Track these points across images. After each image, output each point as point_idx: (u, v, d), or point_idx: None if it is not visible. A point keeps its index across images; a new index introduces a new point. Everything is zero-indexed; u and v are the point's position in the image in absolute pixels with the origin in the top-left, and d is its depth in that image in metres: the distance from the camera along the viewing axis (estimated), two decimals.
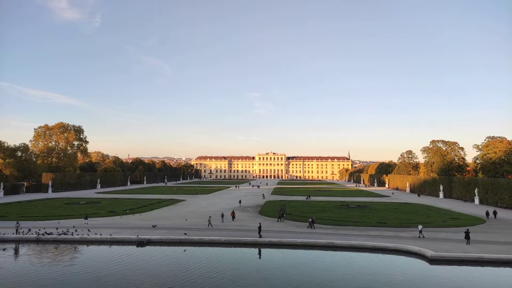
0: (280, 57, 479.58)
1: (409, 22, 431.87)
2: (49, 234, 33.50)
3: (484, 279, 22.48)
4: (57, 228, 36.48)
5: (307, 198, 78.28)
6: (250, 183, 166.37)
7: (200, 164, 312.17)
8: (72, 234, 33.71)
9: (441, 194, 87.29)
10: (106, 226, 38.55)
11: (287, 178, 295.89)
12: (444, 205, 66.65)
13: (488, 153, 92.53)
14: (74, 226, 38.05)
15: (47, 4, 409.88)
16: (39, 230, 35.12)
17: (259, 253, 28.99)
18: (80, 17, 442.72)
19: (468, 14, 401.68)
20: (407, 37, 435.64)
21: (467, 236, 30.96)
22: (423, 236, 33.49)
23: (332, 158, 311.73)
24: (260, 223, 36.12)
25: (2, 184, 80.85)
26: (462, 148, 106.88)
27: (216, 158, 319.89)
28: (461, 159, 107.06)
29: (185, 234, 34.12)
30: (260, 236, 32.59)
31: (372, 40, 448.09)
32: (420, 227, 34.72)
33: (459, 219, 47.09)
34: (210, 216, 42.17)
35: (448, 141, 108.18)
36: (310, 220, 39.86)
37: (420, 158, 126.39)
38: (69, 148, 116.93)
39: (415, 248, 28.04)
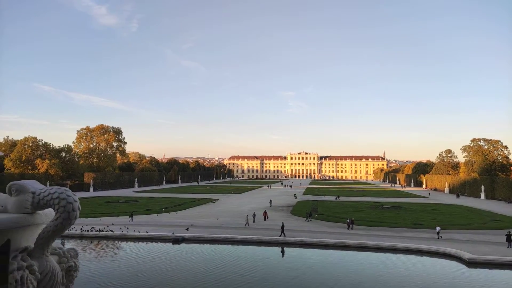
0: (314, 56, 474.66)
1: (447, 23, 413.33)
2: (91, 230, 35.54)
3: None
4: (94, 228, 38.58)
5: (336, 199, 77.39)
6: (282, 183, 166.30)
7: (233, 164, 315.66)
8: (112, 231, 35.56)
9: (482, 195, 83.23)
10: (143, 224, 40.31)
11: (320, 178, 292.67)
12: (485, 207, 63.61)
13: None
14: (113, 223, 40.11)
15: (88, 11, 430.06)
16: (82, 227, 37.30)
17: (283, 252, 29.26)
18: (117, 22, 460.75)
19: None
20: (449, 39, 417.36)
21: (508, 239, 29.65)
22: (441, 237, 33.10)
23: (367, 158, 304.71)
24: (283, 223, 36.02)
25: (48, 183, 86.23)
26: (505, 147, 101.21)
27: (249, 158, 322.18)
28: (504, 158, 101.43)
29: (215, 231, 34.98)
30: (284, 236, 33.06)
31: (407, 43, 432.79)
32: (438, 228, 34.54)
33: (502, 221, 44.88)
34: (247, 216, 42.86)
35: (490, 140, 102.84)
36: (349, 220, 39.45)
37: (460, 158, 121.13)
38: (108, 149, 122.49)
39: (452, 250, 27.22)
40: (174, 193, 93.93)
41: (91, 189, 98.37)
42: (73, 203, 4.32)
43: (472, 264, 24.71)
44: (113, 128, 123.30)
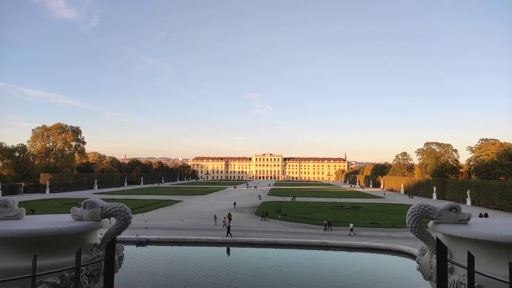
0: (280, 58, 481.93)
1: (405, 24, 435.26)
2: None
3: None
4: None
5: (292, 199, 79.11)
6: (247, 184, 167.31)
7: (197, 164, 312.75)
8: None
9: (434, 196, 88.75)
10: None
11: (284, 179, 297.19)
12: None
13: (481, 155, 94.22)
14: None
15: (45, 3, 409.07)
16: None
17: (246, 252, 30.03)
18: (76, 16, 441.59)
19: (463, 16, 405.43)
20: (403, 39, 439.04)
21: None
22: (354, 234, 36.79)
23: (329, 159, 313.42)
24: (229, 224, 37.75)
25: (0, 184, 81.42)
26: (455, 150, 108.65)
27: (213, 159, 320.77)
28: (454, 161, 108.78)
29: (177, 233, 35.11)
30: (231, 236, 34.80)
31: (370, 42, 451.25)
32: (351, 225, 38.64)
33: None
34: (215, 214, 43.41)
35: (442, 143, 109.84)
36: (325, 222, 40.96)
37: (415, 160, 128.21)
38: (66, 148, 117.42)
39: (405, 247, 29.21)
40: (137, 194, 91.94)
41: (47, 190, 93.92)
42: (129, 214, 6.51)
43: None
44: (71, 127, 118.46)
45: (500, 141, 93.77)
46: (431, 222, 6.36)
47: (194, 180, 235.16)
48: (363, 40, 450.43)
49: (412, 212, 6.25)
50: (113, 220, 6.57)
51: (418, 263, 6.61)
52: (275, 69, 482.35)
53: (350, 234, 36.59)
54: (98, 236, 6.78)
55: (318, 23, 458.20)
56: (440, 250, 4.93)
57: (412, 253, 27.90)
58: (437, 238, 5.41)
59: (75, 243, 5.95)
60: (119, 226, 6.33)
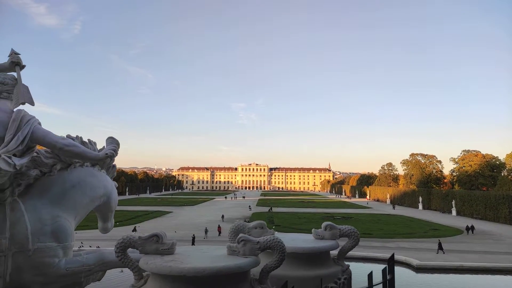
0: (265, 68, 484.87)
1: (389, 35, 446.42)
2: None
3: (464, 284, 24.40)
4: None
5: (269, 210, 77.49)
6: (235, 194, 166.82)
7: (182, 175, 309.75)
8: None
9: (420, 206, 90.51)
10: (97, 239, 38.80)
11: (270, 189, 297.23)
12: (424, 217, 69.43)
13: (464, 166, 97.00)
14: None
15: (25, 10, 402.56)
16: None
17: None
18: (58, 23, 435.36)
19: (450, 27, 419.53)
20: (387, 50, 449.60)
21: (440, 247, 33.91)
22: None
23: (314, 170, 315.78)
24: (193, 235, 38.66)
25: None
26: (440, 161, 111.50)
27: (199, 169, 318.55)
28: (439, 172, 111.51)
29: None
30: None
31: (354, 52, 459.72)
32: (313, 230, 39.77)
33: (439, 230, 49.58)
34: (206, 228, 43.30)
35: (427, 154, 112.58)
36: None
37: (400, 170, 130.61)
38: None
39: (402, 257, 29.75)
40: (124, 205, 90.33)
41: None
42: (358, 235, 8.44)
43: (420, 269, 27.21)
44: None
45: (482, 153, 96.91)
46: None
47: (179, 191, 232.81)
48: (347, 50, 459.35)
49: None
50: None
51: None
52: (260, 79, 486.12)
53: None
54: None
55: (302, 33, 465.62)
56: None
57: (409, 263, 28.54)
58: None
59: (328, 258, 7.95)
60: (353, 243, 8.16)
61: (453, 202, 75.91)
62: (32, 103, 6.99)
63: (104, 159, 7.30)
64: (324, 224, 8.42)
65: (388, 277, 6.06)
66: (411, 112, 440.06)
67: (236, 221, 8.18)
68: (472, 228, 48.62)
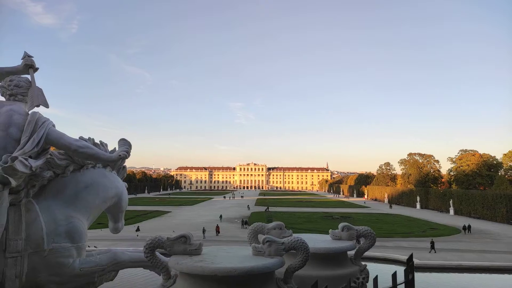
0: (262, 68, 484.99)
1: (388, 34, 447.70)
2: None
3: (464, 283, 24.69)
4: None
5: (266, 210, 77.71)
6: (233, 194, 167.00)
7: (180, 174, 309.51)
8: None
9: (418, 205, 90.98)
10: (100, 238, 38.84)
11: (268, 188, 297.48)
12: (422, 216, 69.84)
13: (461, 166, 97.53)
14: None
15: (22, 9, 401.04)
16: None
17: None
18: (55, 22, 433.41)
19: (447, 26, 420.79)
20: (384, 49, 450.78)
21: (432, 246, 34.51)
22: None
23: (312, 169, 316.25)
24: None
25: None
26: (437, 161, 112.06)
27: (197, 168, 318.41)
28: (436, 171, 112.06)
29: None
30: None
31: (352, 51, 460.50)
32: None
33: (437, 229, 49.94)
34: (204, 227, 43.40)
35: (424, 154, 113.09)
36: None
37: (398, 170, 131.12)
38: None
39: (401, 257, 30.06)
40: None
41: None
42: (374, 235, 8.32)
43: (419, 268, 27.50)
44: None
45: (479, 152, 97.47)
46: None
47: (178, 190, 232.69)
48: (345, 50, 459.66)
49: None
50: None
51: None
52: (258, 79, 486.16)
53: None
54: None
55: (299, 33, 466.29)
56: None
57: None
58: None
59: (346, 258, 8.20)
60: (370, 243, 8.24)
61: (451, 202, 76.38)
62: (46, 106, 7.14)
63: (117, 161, 7.46)
64: (341, 225, 8.66)
65: (409, 277, 6.24)
66: (409, 112, 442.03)
67: (255, 223, 8.33)
68: (469, 227, 49.00)
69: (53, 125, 6.92)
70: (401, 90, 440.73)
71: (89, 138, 7.68)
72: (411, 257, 6.61)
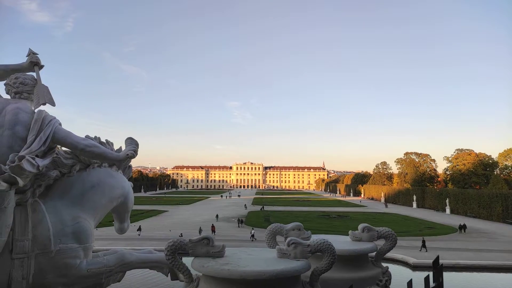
0: (259, 67, 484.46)
1: (384, 33, 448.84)
2: None
3: (461, 282, 24.86)
4: None
5: (261, 209, 77.81)
6: (230, 193, 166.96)
7: (177, 173, 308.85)
8: None
9: (414, 204, 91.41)
10: (97, 238, 38.72)
11: (265, 187, 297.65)
12: (418, 215, 70.17)
13: (457, 165, 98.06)
14: None
15: (16, 6, 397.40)
16: None
17: None
18: (50, 20, 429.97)
19: (446, 25, 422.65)
20: (382, 48, 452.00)
21: (423, 245, 34.74)
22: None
23: (308, 168, 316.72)
24: (181, 234, 39.74)
25: None
26: (433, 160, 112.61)
27: (193, 167, 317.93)
28: (432, 171, 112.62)
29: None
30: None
31: (349, 50, 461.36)
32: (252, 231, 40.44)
33: (434, 228, 50.22)
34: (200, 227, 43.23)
35: (420, 153, 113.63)
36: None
37: (394, 169, 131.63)
38: None
39: (399, 256, 30.12)
40: None
41: None
42: (395, 237, 8.55)
43: (416, 267, 27.68)
44: None
45: (475, 152, 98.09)
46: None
47: (174, 190, 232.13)
48: (341, 49, 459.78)
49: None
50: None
51: None
52: (254, 78, 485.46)
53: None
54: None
55: (296, 32, 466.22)
56: None
57: (406, 261, 28.96)
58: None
59: (367, 260, 8.33)
60: (391, 245, 8.38)
61: (447, 201, 76.81)
62: (53, 104, 7.09)
63: (124, 160, 7.41)
64: (361, 226, 8.58)
65: (440, 280, 6.19)
66: (405, 111, 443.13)
67: (273, 224, 8.26)
68: (464, 227, 49.26)
69: (60, 124, 6.87)
70: (398, 89, 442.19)
71: (96, 137, 7.63)
72: (437, 259, 6.52)
